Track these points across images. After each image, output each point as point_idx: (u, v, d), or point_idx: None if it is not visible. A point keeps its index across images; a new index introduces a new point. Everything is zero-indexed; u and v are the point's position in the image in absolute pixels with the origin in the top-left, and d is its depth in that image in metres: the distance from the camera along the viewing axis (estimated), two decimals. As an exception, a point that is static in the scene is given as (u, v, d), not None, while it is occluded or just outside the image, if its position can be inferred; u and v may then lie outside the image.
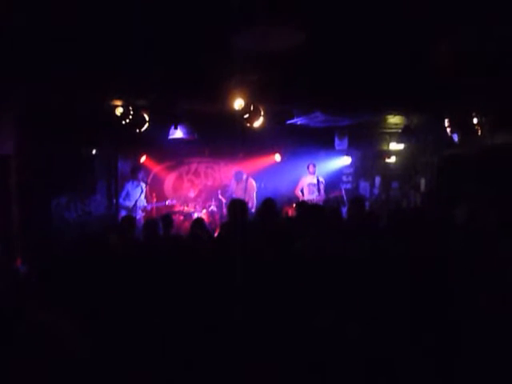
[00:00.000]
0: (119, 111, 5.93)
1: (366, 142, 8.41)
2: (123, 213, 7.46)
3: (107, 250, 3.50)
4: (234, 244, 3.53)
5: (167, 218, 5.32)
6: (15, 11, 3.55)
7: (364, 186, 9.03)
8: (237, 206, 4.47)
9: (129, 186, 7.70)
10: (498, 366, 1.95)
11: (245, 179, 8.63)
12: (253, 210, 7.76)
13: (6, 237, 5.44)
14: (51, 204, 6.34)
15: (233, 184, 8.92)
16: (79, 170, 6.58)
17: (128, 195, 7.64)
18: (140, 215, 7.70)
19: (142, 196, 7.76)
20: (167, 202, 8.52)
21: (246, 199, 8.18)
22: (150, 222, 5.10)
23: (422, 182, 7.53)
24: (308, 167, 8.58)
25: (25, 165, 5.77)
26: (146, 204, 7.91)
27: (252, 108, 5.84)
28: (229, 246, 3.65)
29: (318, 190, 8.46)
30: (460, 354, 2.04)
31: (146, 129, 6.13)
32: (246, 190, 8.51)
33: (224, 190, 9.16)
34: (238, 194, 8.48)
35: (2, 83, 4.75)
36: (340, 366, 2.12)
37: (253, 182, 8.67)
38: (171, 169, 9.68)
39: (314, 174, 8.58)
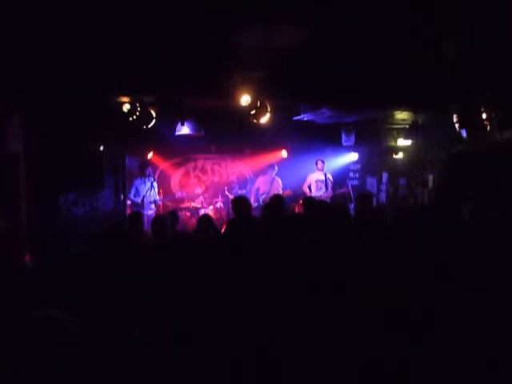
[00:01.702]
0: (126, 108, 5.93)
1: (373, 138, 8.33)
2: (133, 208, 7.51)
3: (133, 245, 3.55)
4: (239, 240, 3.55)
5: (173, 214, 5.36)
6: (18, 8, 3.59)
7: (371, 182, 8.98)
8: (243, 202, 4.62)
9: (137, 183, 7.75)
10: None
11: (273, 175, 8.61)
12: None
13: (15, 233, 5.47)
14: (59, 200, 6.39)
15: (261, 179, 8.83)
16: (87, 167, 6.61)
17: (137, 191, 7.70)
18: (152, 210, 7.76)
19: (153, 192, 7.79)
20: (177, 195, 8.58)
21: (269, 192, 8.18)
22: (159, 218, 5.12)
23: (430, 178, 7.45)
24: (316, 163, 8.56)
25: (33, 162, 5.80)
26: (156, 198, 7.94)
27: (259, 104, 5.82)
28: (235, 242, 3.64)
29: (326, 187, 8.43)
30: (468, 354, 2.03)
31: (153, 125, 6.14)
32: (272, 185, 8.50)
33: (230, 186, 9.17)
34: (264, 188, 8.50)
35: (9, 82, 4.78)
36: (340, 365, 2.13)
37: (279, 180, 8.67)
38: (178, 165, 9.73)
39: (322, 170, 8.55)
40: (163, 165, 9.47)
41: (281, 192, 8.34)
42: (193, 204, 8.85)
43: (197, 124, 6.91)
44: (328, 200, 8.01)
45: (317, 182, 8.58)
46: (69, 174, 6.33)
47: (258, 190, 8.62)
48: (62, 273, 2.97)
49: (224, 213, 8.72)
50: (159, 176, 9.19)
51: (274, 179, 8.59)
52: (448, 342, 2.02)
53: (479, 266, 2.68)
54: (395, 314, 2.20)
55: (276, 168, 8.66)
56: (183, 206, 8.79)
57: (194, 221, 7.98)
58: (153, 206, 7.79)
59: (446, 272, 2.61)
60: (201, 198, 9.08)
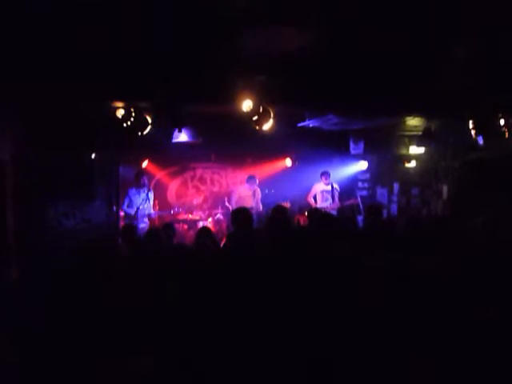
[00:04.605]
0: (120, 113, 5.79)
1: (383, 145, 8.23)
2: (126, 220, 7.34)
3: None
4: (241, 254, 3.54)
5: (169, 226, 5.33)
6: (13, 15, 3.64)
7: (381, 192, 8.89)
8: (243, 214, 4.49)
9: (131, 193, 7.54)
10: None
11: (255, 187, 8.43)
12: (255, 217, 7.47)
13: (2, 244, 5.36)
14: (49, 211, 6.33)
15: (240, 189, 8.70)
16: (78, 176, 6.51)
17: (131, 202, 7.50)
18: (145, 223, 7.54)
19: (149, 203, 7.61)
20: (172, 212, 8.39)
21: (255, 206, 8.15)
22: (153, 231, 5.03)
23: (445, 188, 7.45)
24: (321, 177, 8.33)
25: (21, 170, 5.76)
26: (151, 212, 7.75)
27: (261, 110, 5.70)
28: (235, 256, 3.63)
29: (332, 198, 8.23)
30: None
31: (149, 132, 6.02)
32: (254, 195, 8.32)
33: (231, 196, 8.99)
34: (247, 199, 8.26)
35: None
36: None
37: (258, 190, 8.52)
38: (175, 174, 9.64)
39: (327, 184, 8.32)
40: (159, 174, 9.35)
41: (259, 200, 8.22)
42: (191, 216, 8.71)
43: (195, 131, 6.89)
44: (334, 212, 7.80)
45: (322, 192, 8.38)
46: (58, 184, 6.24)
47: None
48: (50, 287, 2.97)
49: (224, 225, 8.55)
50: (155, 186, 9.04)
51: (255, 191, 8.35)
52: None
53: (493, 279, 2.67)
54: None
55: (257, 181, 8.41)
56: (180, 217, 8.64)
57: (192, 234, 7.83)
58: (146, 219, 7.56)
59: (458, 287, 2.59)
60: (199, 210, 8.95)
